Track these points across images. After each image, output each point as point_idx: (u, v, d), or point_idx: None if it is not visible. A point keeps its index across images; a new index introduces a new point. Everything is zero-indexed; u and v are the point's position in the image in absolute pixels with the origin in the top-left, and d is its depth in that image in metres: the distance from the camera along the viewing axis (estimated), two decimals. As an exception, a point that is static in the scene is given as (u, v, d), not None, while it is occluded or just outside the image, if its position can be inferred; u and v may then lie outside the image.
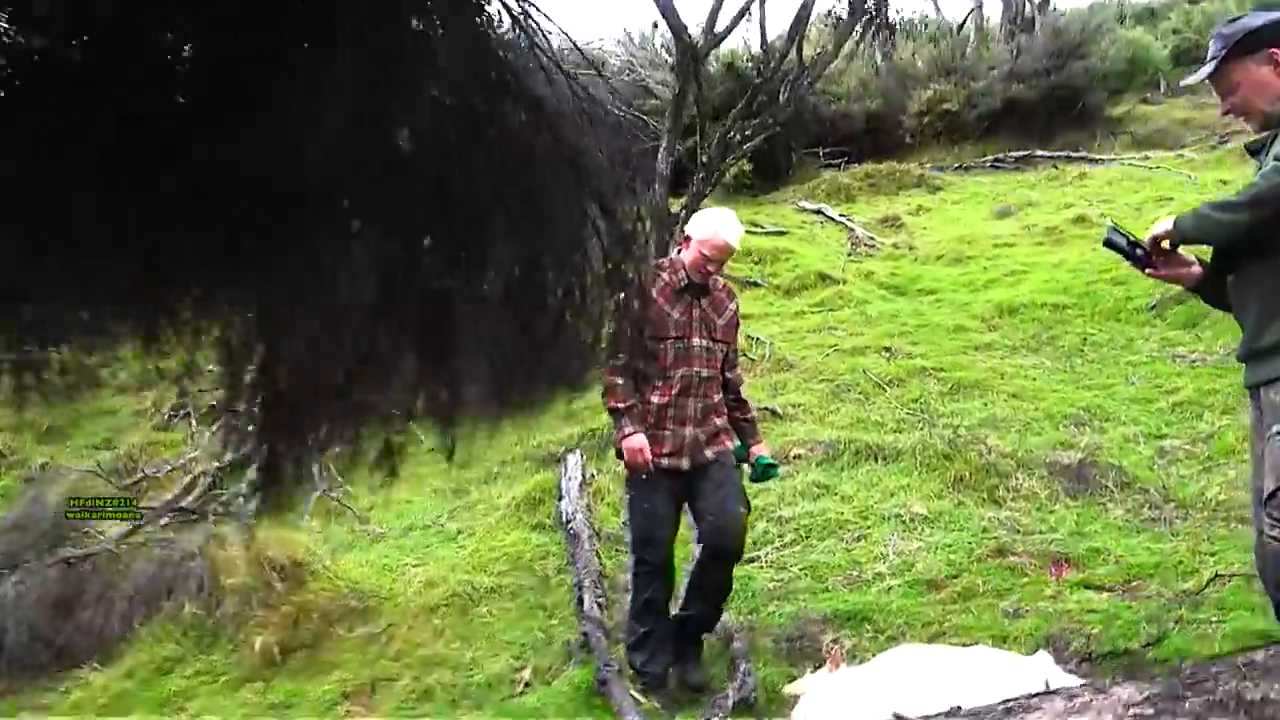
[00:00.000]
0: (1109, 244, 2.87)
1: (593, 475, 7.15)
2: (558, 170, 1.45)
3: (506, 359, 1.52)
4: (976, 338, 9.15)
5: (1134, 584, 4.68)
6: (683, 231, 4.65)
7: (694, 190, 10.79)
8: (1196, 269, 2.88)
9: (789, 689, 4.12)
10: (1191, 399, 7.00)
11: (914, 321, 9.73)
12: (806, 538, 5.94)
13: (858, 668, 3.95)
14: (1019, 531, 5.52)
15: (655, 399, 4.19)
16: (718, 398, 4.37)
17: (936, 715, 3.49)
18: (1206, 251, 3.02)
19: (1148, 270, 2.85)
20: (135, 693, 5.36)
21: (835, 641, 4.66)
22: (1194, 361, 7.79)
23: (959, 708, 3.50)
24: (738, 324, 4.48)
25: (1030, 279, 10.57)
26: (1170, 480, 5.87)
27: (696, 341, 4.24)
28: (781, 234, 13.08)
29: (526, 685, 4.80)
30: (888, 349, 9.00)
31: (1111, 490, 5.85)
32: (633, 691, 4.26)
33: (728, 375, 4.46)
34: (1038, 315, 9.46)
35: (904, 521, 5.87)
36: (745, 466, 4.57)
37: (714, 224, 4.29)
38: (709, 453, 4.28)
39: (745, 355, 9.03)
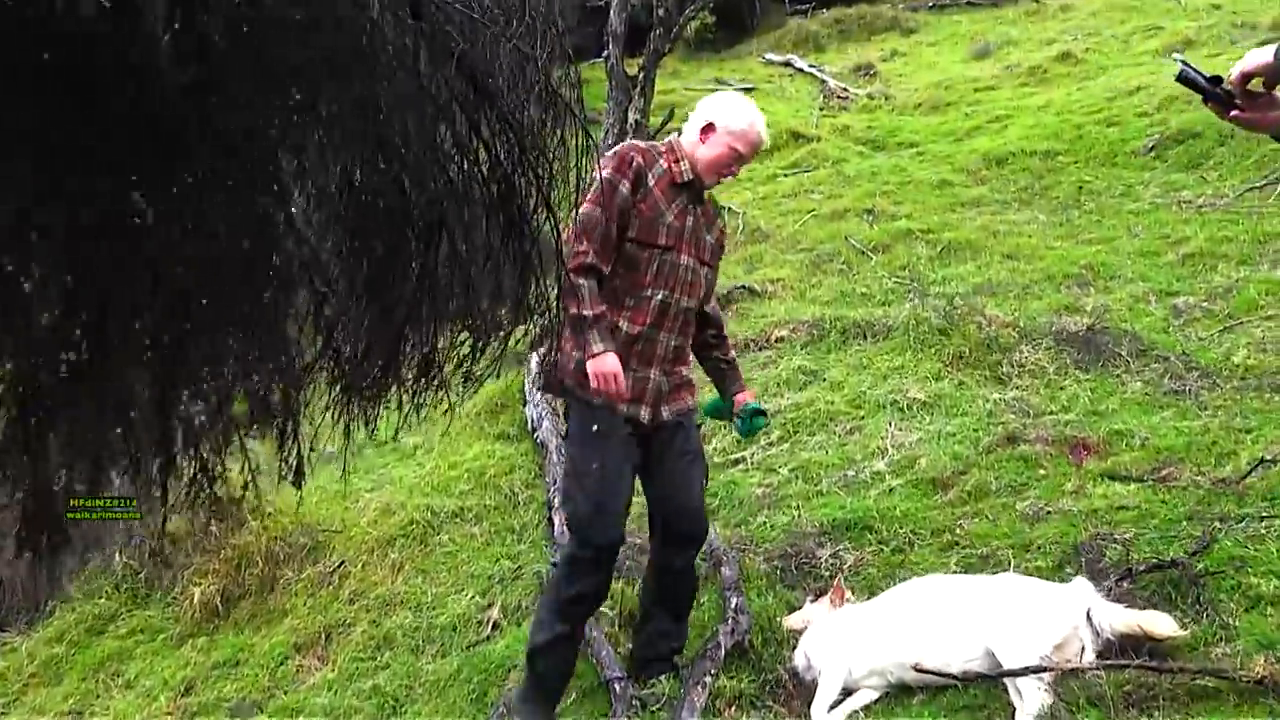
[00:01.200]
0: (1183, 79, 2.22)
1: (559, 374, 6.56)
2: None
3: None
4: (964, 193, 8.49)
5: (1165, 471, 4.17)
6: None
7: (652, 48, 9.89)
8: None
9: (788, 623, 3.63)
10: (1203, 249, 6.42)
11: (895, 179, 9.05)
12: (795, 433, 5.41)
13: (866, 604, 3.45)
14: (1029, 414, 4.99)
15: (623, 325, 3.19)
16: (689, 340, 3.49)
17: (968, 673, 3.01)
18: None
19: (1231, 114, 2.21)
20: (67, 657, 4.87)
21: (835, 558, 4.16)
22: (1201, 207, 7.17)
23: (991, 654, 3.02)
24: (724, 247, 3.60)
25: (1016, 125, 9.85)
26: (1190, 345, 5.33)
27: (685, 259, 3.29)
28: (749, 90, 12.22)
29: (495, 627, 4.31)
30: (869, 211, 8.35)
31: (1126, 360, 5.32)
32: (612, 629, 3.76)
33: (706, 309, 3.55)
34: (1027, 165, 8.79)
35: (901, 409, 5.34)
36: (726, 418, 3.89)
37: (748, 113, 3.34)
38: (668, 411, 3.34)
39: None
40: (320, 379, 1.35)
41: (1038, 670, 2.81)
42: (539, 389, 5.86)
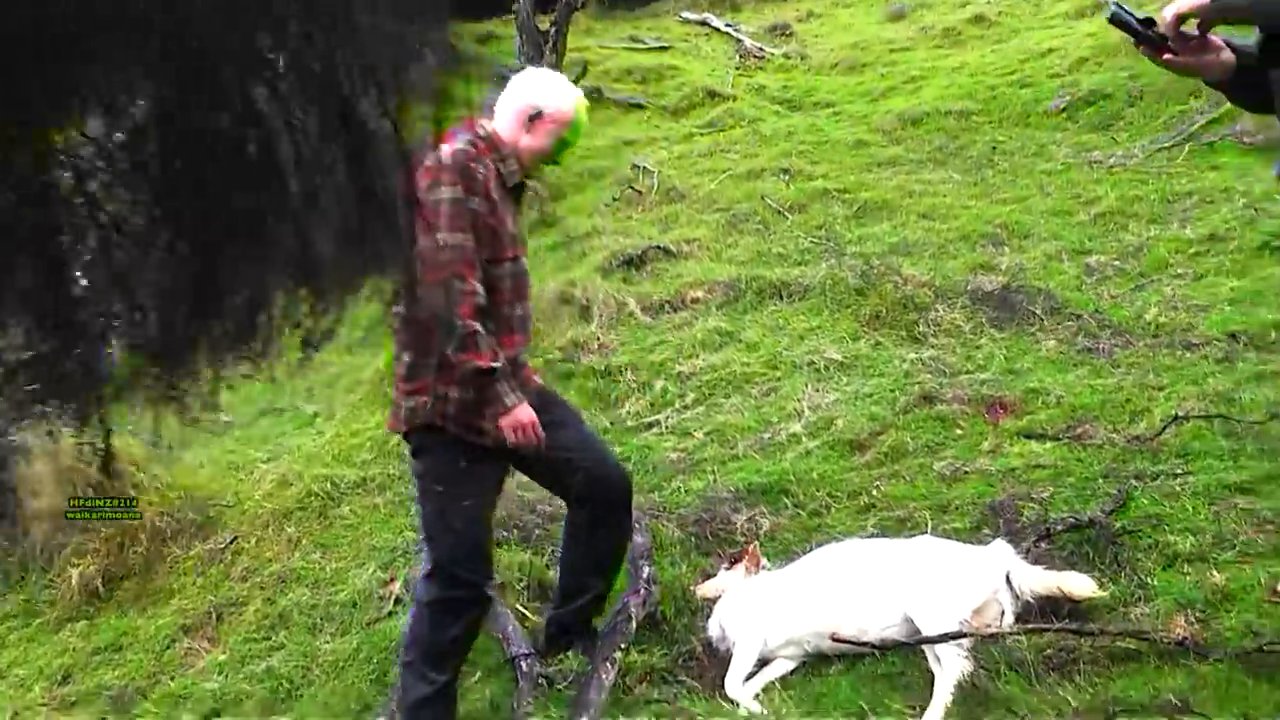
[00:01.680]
0: (1115, 20, 2.08)
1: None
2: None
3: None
4: (879, 153, 8.41)
5: (1080, 429, 4.13)
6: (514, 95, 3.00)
7: (564, 3, 9.61)
8: (1229, 57, 2.11)
9: (701, 591, 3.49)
10: (1114, 208, 6.43)
11: (811, 138, 8.92)
12: (710, 395, 5.27)
13: (781, 571, 3.33)
14: (945, 373, 4.93)
15: (511, 352, 2.91)
16: None
17: (885, 641, 2.90)
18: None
19: (1164, 57, 2.08)
20: (-69, 646, 4.51)
21: (751, 523, 4.03)
22: (1112, 166, 7.19)
23: (910, 620, 2.92)
24: None
25: (930, 85, 9.80)
26: (1102, 303, 5.32)
27: (523, 262, 3.00)
28: (664, 49, 12.00)
29: (397, 602, 4.09)
30: (785, 171, 8.21)
31: (1040, 318, 5.28)
32: (520, 606, 3.59)
33: None
34: (942, 125, 8.74)
35: (818, 370, 5.23)
36: None
37: (570, 94, 3.01)
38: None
39: (631, 188, 8.18)
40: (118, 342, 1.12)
41: (956, 636, 2.71)
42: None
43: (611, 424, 5.20)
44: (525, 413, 2.82)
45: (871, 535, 3.75)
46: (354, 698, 3.68)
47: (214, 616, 4.36)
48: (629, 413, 5.24)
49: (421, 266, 2.67)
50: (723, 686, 2.94)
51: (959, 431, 4.34)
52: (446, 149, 2.75)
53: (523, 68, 3.89)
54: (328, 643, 4.01)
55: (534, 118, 2.94)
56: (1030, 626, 2.71)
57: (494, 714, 3.17)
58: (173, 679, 4.05)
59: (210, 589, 4.51)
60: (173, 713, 3.85)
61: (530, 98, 2.95)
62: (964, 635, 2.71)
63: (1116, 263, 5.78)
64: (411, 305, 2.65)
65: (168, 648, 4.25)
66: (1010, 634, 2.72)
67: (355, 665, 3.83)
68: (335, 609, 4.19)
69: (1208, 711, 2.32)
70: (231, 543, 4.70)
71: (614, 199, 8.15)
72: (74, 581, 4.53)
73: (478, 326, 2.74)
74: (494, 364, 2.75)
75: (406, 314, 2.72)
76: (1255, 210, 5.75)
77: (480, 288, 2.76)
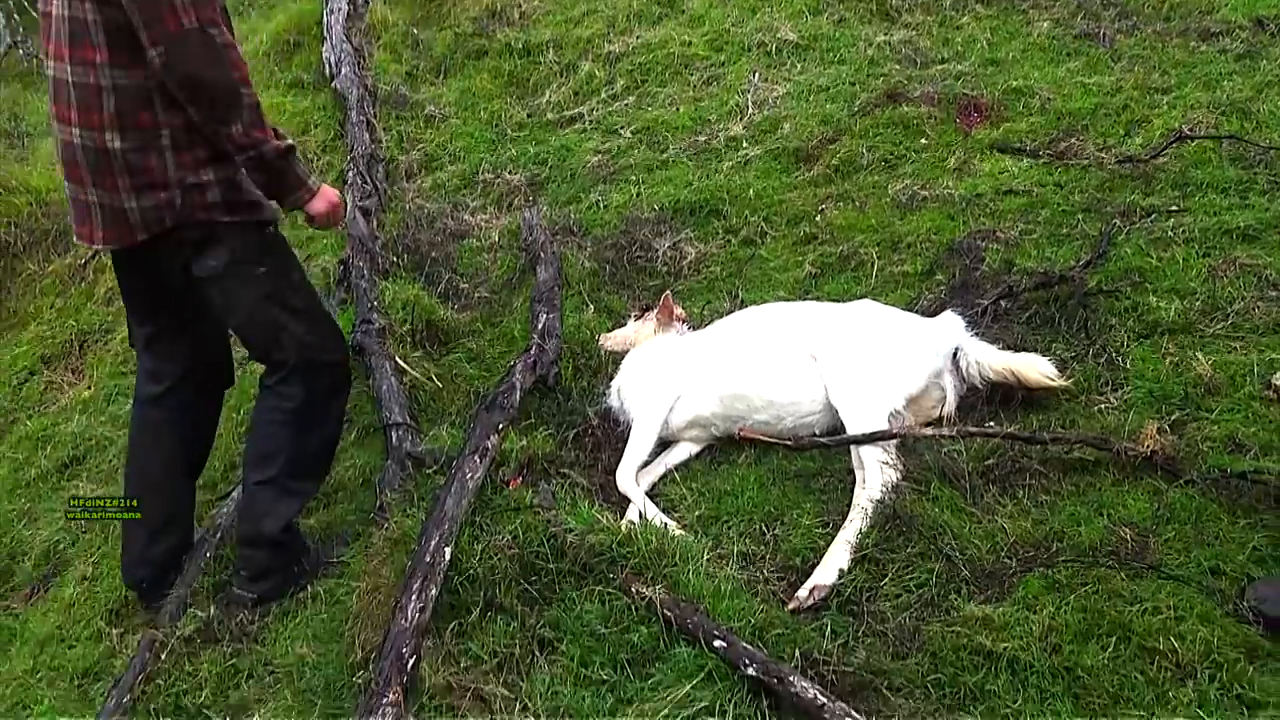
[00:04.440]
0: None
1: (366, 0, 5.38)
2: None
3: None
4: None
5: (1065, 143, 3.51)
6: None
7: None
8: None
9: (606, 343, 3.01)
10: None
11: None
12: (643, 83, 4.53)
13: (694, 335, 2.83)
14: (916, 62, 4.19)
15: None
16: None
17: (801, 440, 2.46)
18: None
19: None
20: None
21: (675, 250, 3.49)
22: None
23: (834, 409, 2.47)
24: None
25: None
26: (1111, -29, 4.46)
27: None
28: None
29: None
30: None
31: (1036, -11, 4.46)
32: (402, 362, 3.10)
33: None
34: None
35: (768, 53, 4.47)
36: None
37: None
38: None
39: None
40: None
41: (883, 438, 2.28)
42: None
43: (529, 116, 4.49)
44: (332, 191, 2.26)
45: (808, 275, 3.25)
46: (231, 434, 3.28)
47: (76, 345, 3.89)
48: (549, 103, 4.52)
49: (155, 19, 1.92)
50: (614, 474, 2.54)
51: (924, 142, 3.70)
52: None
53: None
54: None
55: None
56: (972, 430, 2.27)
57: (362, 488, 2.79)
58: (30, 418, 3.64)
59: (71, 313, 4.00)
60: (31, 457, 3.47)
61: None
62: (891, 436, 2.27)
63: (1135, -82, 4.83)
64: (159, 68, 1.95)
65: (26, 380, 3.82)
66: (945, 437, 2.28)
67: (235, 398, 3.41)
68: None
69: (1167, 554, 1.94)
70: (94, 258, 4.12)
71: None
72: (-85, 303, 4.02)
73: (257, 96, 2.06)
74: (284, 142, 2.12)
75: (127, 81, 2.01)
76: None
77: (258, 100, 2.06)
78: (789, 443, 2.42)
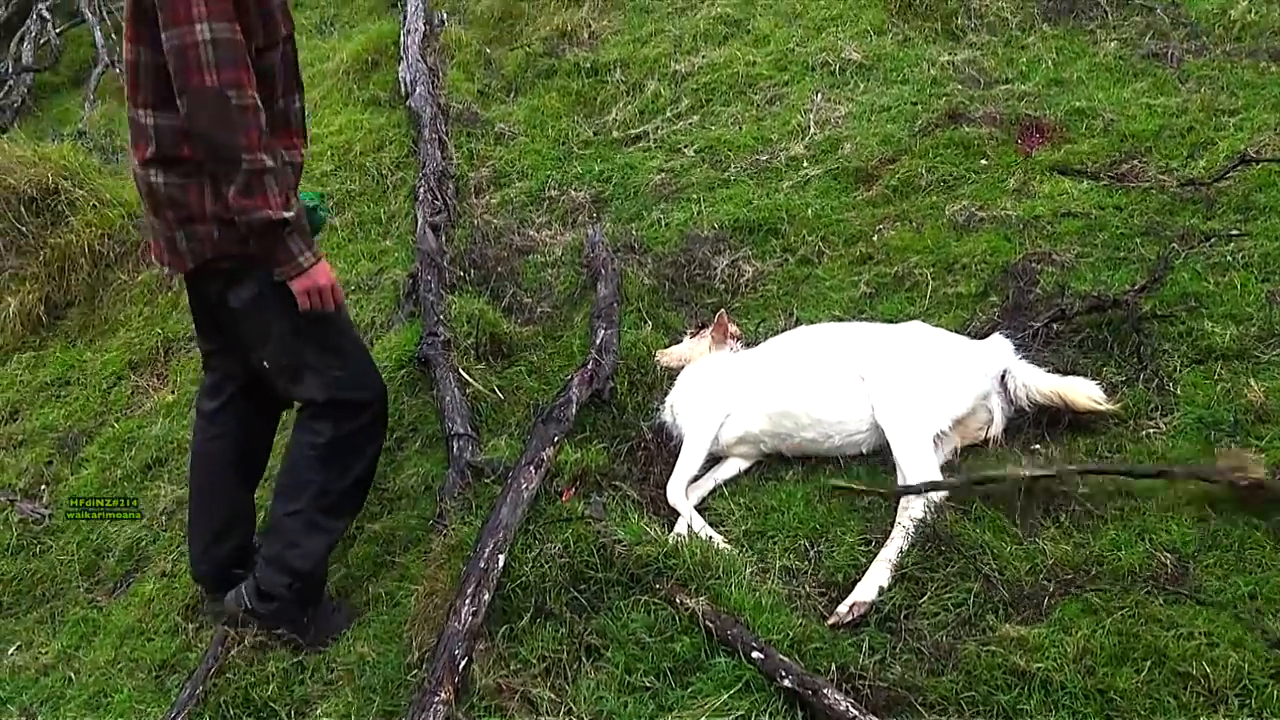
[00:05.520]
0: None
1: (442, 21, 5.56)
2: None
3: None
4: None
5: (1126, 166, 3.50)
6: None
7: None
8: None
9: (663, 359, 3.10)
10: None
11: None
12: (707, 102, 4.60)
13: (746, 354, 2.90)
14: (980, 83, 4.20)
15: (284, 156, 2.29)
16: None
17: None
18: None
19: None
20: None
21: (733, 269, 3.56)
22: None
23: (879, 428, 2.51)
24: None
25: None
26: (1182, -10, 4.42)
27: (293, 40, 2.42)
28: None
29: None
30: None
31: (1104, 10, 4.43)
32: (466, 374, 3.22)
33: None
34: None
35: (832, 73, 4.51)
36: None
37: None
38: None
39: None
40: None
41: (932, 488, 2.30)
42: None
43: (595, 134, 4.60)
44: (324, 273, 2.27)
45: (863, 295, 3.29)
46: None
47: (162, 352, 4.10)
48: (615, 121, 4.62)
49: (181, 71, 2.06)
50: (665, 488, 2.62)
51: (984, 163, 3.72)
52: None
53: None
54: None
55: None
56: (1089, 467, 2.23)
57: (424, 495, 2.91)
58: (118, 421, 3.84)
59: (158, 321, 4.21)
60: (117, 458, 3.67)
61: None
62: (939, 487, 2.30)
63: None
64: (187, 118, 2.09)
65: (114, 385, 4.03)
66: (1048, 476, 2.27)
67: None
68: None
69: (1207, 579, 1.95)
70: (179, 269, 4.33)
71: None
72: (14, 310, 4.26)
73: (268, 161, 2.12)
74: (286, 214, 2.16)
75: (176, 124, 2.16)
76: None
77: (257, 96, 2.13)
78: (881, 491, 2.43)
